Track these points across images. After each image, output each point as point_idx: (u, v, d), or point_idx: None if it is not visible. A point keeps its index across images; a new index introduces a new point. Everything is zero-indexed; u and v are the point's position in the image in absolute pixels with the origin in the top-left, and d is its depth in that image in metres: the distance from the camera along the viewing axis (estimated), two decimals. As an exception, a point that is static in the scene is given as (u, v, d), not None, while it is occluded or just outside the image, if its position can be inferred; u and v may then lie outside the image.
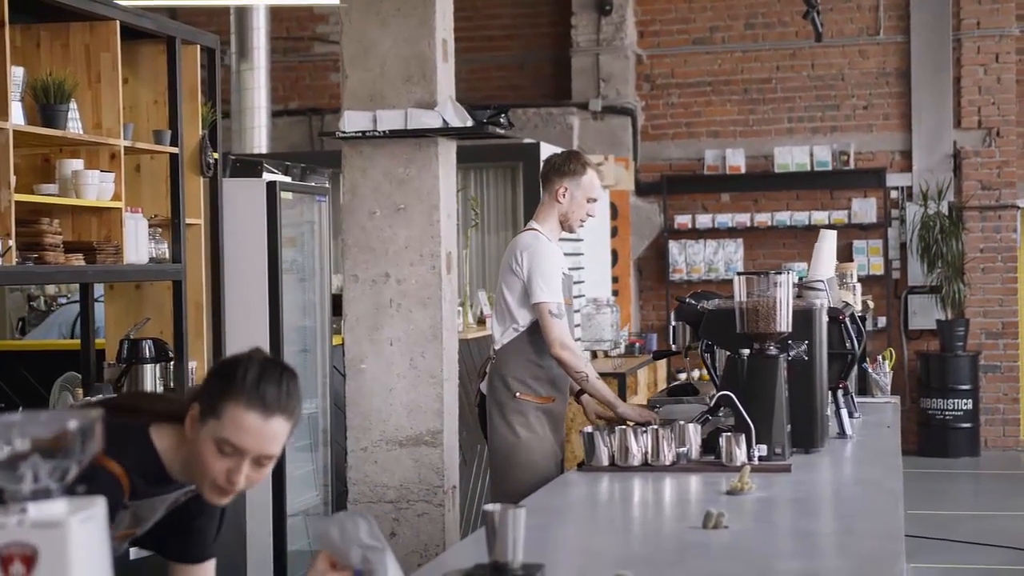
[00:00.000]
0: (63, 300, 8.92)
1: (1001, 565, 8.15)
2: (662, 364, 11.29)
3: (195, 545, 2.90)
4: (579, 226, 5.37)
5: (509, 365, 5.20)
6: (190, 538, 2.88)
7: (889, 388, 6.46)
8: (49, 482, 1.75)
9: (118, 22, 5.14)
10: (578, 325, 9.68)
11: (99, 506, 1.79)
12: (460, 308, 7.94)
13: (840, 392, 5.07)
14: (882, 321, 12.50)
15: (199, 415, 2.59)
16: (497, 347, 5.26)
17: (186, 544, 2.89)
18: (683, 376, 11.40)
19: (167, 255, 5.52)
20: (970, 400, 12.20)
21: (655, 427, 4.33)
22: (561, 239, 8.90)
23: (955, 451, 12.16)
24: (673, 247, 12.89)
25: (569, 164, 5.29)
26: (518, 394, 5.17)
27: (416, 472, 5.67)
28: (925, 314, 12.54)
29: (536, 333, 5.15)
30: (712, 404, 4.45)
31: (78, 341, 5.69)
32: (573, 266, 10.04)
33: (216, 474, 2.58)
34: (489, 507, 2.71)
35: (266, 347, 6.25)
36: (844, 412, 5.02)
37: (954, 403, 12.18)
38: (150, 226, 5.44)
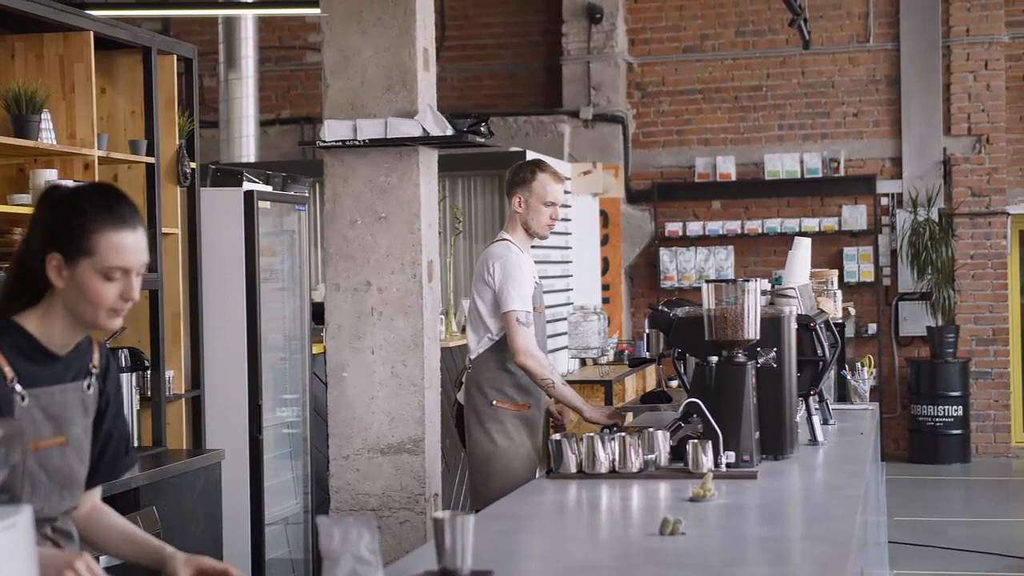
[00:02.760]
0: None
1: (991, 571, 8.15)
2: (651, 371, 11.30)
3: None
4: (547, 231, 5.43)
5: (485, 374, 5.31)
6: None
7: (868, 395, 6.46)
8: (-29, 490, 1.77)
9: (92, 33, 5.16)
10: (563, 334, 9.70)
11: (24, 514, 1.80)
12: (443, 316, 7.96)
13: (812, 399, 5.08)
14: (872, 328, 12.51)
15: (65, 263, 2.65)
16: (472, 356, 5.36)
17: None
18: (674, 383, 11.40)
19: (144, 264, 5.54)
20: (961, 407, 12.21)
21: (622, 433, 4.35)
22: (545, 247, 8.91)
23: (946, 457, 12.16)
24: (664, 255, 12.91)
25: (519, 173, 5.41)
26: (495, 402, 5.28)
27: (398, 480, 5.68)
28: (915, 321, 12.55)
29: None
30: (680, 412, 4.46)
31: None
32: (562, 273, 10.09)
33: (110, 301, 2.66)
34: (438, 514, 2.74)
35: (244, 355, 6.29)
36: (816, 419, 5.03)
37: (944, 409, 12.18)
38: (127, 235, 5.46)
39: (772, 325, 4.54)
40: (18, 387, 2.63)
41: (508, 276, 5.20)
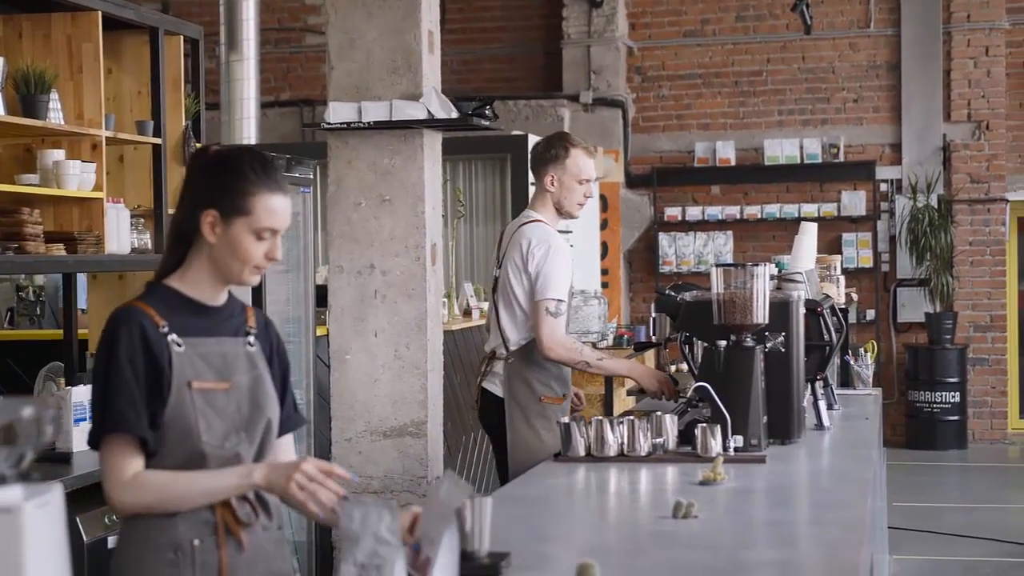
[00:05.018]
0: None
1: (987, 557, 8.18)
2: (651, 356, 11.32)
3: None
4: (578, 211, 5.22)
5: (531, 367, 5.06)
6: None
7: (871, 380, 6.47)
8: (4, 468, 1.77)
9: (100, 13, 5.15)
10: (565, 316, 9.70)
11: (56, 493, 1.81)
12: (445, 299, 7.96)
13: (818, 384, 5.08)
14: (871, 314, 12.53)
15: (220, 220, 2.81)
16: (512, 347, 5.09)
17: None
18: (673, 368, 11.42)
19: (150, 245, 5.54)
20: (958, 393, 12.24)
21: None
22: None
23: (943, 444, 12.19)
24: (663, 239, 12.91)
25: (551, 150, 5.16)
26: (543, 398, 5.06)
27: (400, 463, 5.69)
28: (914, 307, 12.57)
29: None
30: (689, 395, 4.46)
31: (61, 332, 5.69)
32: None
33: (256, 259, 2.83)
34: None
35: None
36: (822, 404, 5.03)
37: (942, 396, 12.21)
38: (133, 216, 5.46)
39: (781, 310, 4.54)
40: (173, 336, 2.80)
41: (548, 262, 4.96)
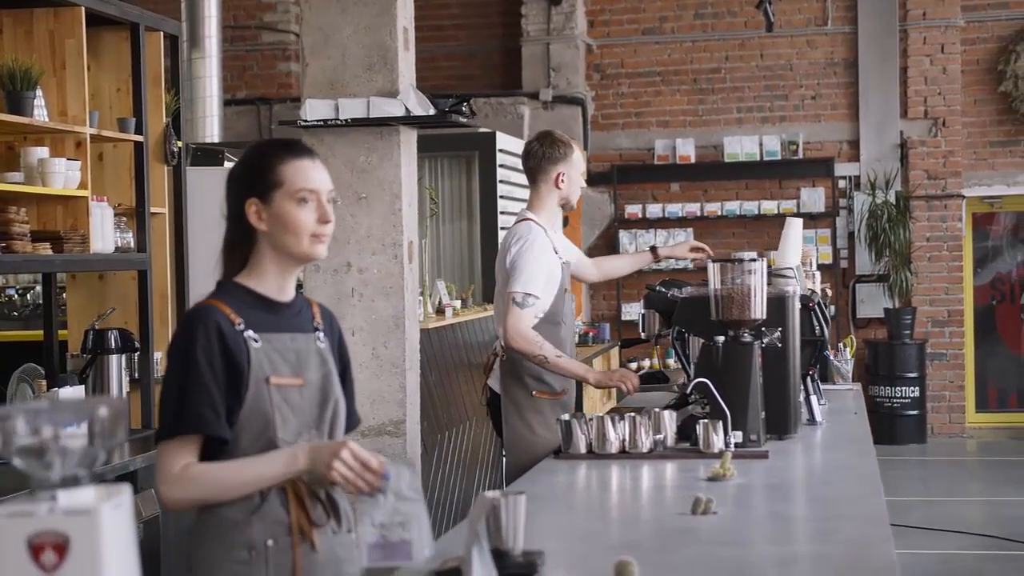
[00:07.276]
0: (11, 291, 8.80)
1: (951, 550, 8.24)
2: (615, 353, 11.35)
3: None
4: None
5: (523, 363, 5.07)
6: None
7: (850, 375, 6.50)
8: (78, 470, 1.73)
9: (83, 8, 5.07)
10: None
11: (126, 494, 1.77)
12: (420, 298, 7.92)
13: (809, 379, 5.10)
14: (831, 309, 12.59)
15: (261, 203, 2.81)
16: (505, 344, 5.08)
17: None
18: (634, 365, 11.47)
19: (132, 244, 5.46)
20: (917, 388, 12.34)
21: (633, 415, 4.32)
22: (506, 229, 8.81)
23: (902, 438, 12.28)
24: (624, 236, 12.92)
25: (559, 149, 5.19)
26: (535, 392, 5.08)
27: (379, 462, 5.65)
28: (873, 302, 12.66)
29: (545, 328, 5.04)
30: (689, 391, 4.46)
31: (40, 332, 5.60)
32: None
33: (308, 225, 2.81)
34: (490, 494, 2.71)
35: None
36: (814, 399, 5.05)
37: (901, 390, 12.30)
38: (115, 215, 5.38)
39: (777, 304, 4.55)
40: (249, 332, 2.79)
41: (520, 256, 5.01)
